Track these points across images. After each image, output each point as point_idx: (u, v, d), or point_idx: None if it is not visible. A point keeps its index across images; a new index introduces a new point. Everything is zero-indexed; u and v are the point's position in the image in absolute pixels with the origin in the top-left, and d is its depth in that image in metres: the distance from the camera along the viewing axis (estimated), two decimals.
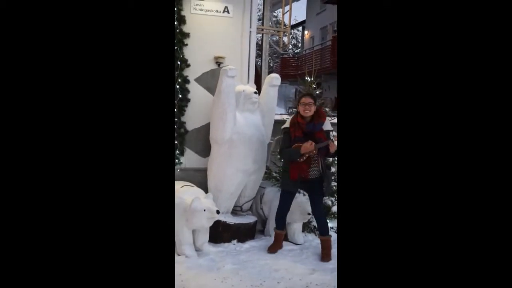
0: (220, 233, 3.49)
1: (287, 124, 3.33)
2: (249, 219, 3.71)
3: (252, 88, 3.73)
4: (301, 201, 3.48)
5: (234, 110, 3.51)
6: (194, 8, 3.97)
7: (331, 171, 3.40)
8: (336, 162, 3.94)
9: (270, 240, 3.54)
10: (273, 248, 3.39)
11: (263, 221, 3.90)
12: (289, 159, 3.27)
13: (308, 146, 3.10)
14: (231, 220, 3.57)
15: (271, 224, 3.71)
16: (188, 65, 3.95)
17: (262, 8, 8.64)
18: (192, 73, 3.98)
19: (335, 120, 3.75)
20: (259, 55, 8.70)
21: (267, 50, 7.85)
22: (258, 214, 3.90)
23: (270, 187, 3.91)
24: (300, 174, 3.19)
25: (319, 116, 3.25)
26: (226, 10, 4.09)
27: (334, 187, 3.82)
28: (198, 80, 4.03)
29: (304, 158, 3.16)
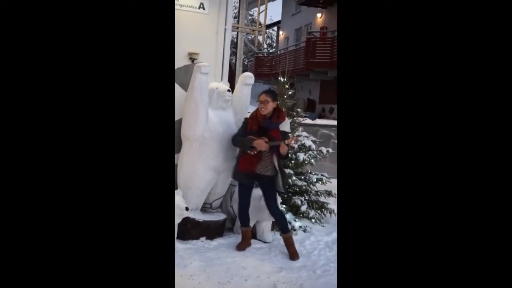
0: (188, 230, 3.47)
1: (248, 115, 3.43)
2: (219, 216, 3.71)
3: (225, 86, 3.72)
4: None
5: (206, 107, 3.50)
6: None
7: (287, 171, 3.41)
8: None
9: (239, 238, 3.55)
10: (242, 246, 3.40)
11: (233, 218, 3.91)
12: (238, 147, 3.39)
13: (261, 143, 3.15)
14: (200, 217, 3.55)
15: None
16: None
17: (238, 6, 8.63)
18: None
19: (307, 121, 3.81)
20: (233, 53, 8.68)
21: (242, 49, 7.85)
22: (228, 212, 3.91)
23: None
24: (248, 167, 3.25)
25: (277, 116, 3.27)
26: (201, 6, 4.06)
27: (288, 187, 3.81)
28: None
29: (255, 152, 3.20)
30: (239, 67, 8.37)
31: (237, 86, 3.92)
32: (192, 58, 4.01)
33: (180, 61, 3.99)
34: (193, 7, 4.01)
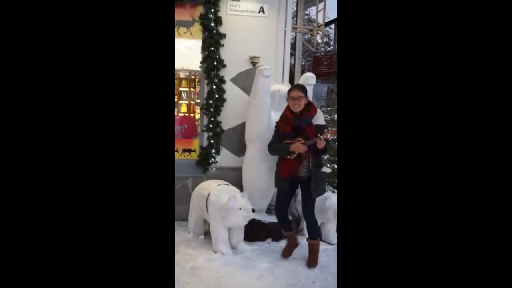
0: (255, 231, 3.53)
1: (278, 119, 3.21)
2: None
3: (287, 87, 3.73)
4: (334, 201, 3.45)
5: (269, 109, 3.54)
6: (230, 9, 4.03)
7: (323, 170, 3.11)
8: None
9: (304, 239, 3.53)
10: (287, 252, 3.28)
11: (297, 220, 3.91)
12: (277, 155, 3.19)
13: (298, 146, 2.96)
14: (266, 219, 3.59)
15: (305, 223, 3.71)
16: (224, 66, 4.01)
17: (295, 7, 8.60)
18: (228, 73, 4.04)
19: None
20: (292, 54, 8.67)
21: (300, 49, 7.81)
22: (292, 214, 3.91)
23: None
24: (290, 172, 3.05)
25: (308, 110, 3.03)
26: (261, 10, 4.12)
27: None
28: (233, 80, 4.09)
29: (294, 155, 3.01)
30: (297, 68, 8.35)
31: None
32: (254, 62, 4.07)
33: (242, 65, 4.08)
34: (253, 12, 4.08)
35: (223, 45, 3.99)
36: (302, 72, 5.75)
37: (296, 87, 3.09)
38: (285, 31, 4.21)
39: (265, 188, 3.60)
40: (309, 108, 3.04)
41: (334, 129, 2.99)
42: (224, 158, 4.12)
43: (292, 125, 3.03)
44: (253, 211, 3.10)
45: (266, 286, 2.73)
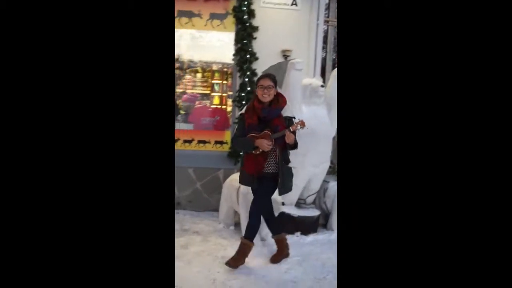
0: (285, 224, 3.54)
1: (243, 110, 2.94)
2: (313, 212, 3.72)
3: (318, 81, 3.71)
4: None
5: (300, 103, 3.53)
6: (263, 2, 4.03)
7: (290, 165, 2.87)
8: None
9: (334, 234, 3.52)
10: (277, 257, 3.05)
11: (326, 215, 3.90)
12: (240, 149, 2.98)
13: (262, 143, 2.69)
14: (295, 212, 3.60)
15: (334, 218, 3.70)
16: (256, 58, 4.02)
17: (328, 0, 8.47)
18: (260, 66, 4.04)
19: None
20: (323, 48, 8.56)
21: (332, 43, 7.70)
22: (321, 208, 3.91)
23: (333, 181, 3.89)
24: (256, 167, 2.79)
25: (278, 101, 2.80)
26: (294, 2, 4.10)
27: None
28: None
29: (260, 150, 2.76)
30: (329, 61, 8.23)
31: (330, 81, 3.88)
32: (286, 55, 4.07)
33: (274, 58, 4.07)
34: (286, 4, 4.07)
35: (255, 38, 4.00)
36: (333, 66, 5.68)
37: (266, 76, 2.85)
38: (317, 24, 4.18)
39: (295, 182, 3.59)
40: (278, 99, 2.82)
41: (302, 119, 2.78)
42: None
43: (259, 116, 2.79)
44: (283, 204, 3.12)
45: (294, 279, 2.74)
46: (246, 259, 2.93)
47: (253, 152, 2.78)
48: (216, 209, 3.94)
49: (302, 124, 2.73)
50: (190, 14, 4.25)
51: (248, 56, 3.97)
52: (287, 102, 2.86)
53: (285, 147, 2.78)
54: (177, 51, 4.79)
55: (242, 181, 2.95)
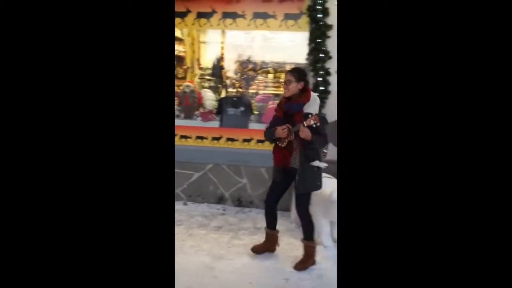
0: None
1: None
2: None
3: None
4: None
5: None
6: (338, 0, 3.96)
7: (314, 164, 2.79)
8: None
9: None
10: (261, 247, 3.09)
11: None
12: (267, 139, 3.01)
13: (279, 131, 2.78)
14: None
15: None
16: (330, 57, 3.96)
17: None
18: (334, 65, 3.97)
19: None
20: None
21: None
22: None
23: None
24: (281, 160, 2.88)
25: (300, 96, 2.82)
26: None
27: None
28: None
29: (285, 143, 2.82)
30: None
31: None
32: None
33: None
34: None
35: (329, 37, 3.94)
36: None
37: (289, 71, 2.91)
38: None
39: None
40: (301, 95, 2.82)
41: (316, 115, 2.72)
42: (328, 151, 4.07)
43: (284, 111, 2.87)
44: None
45: None
46: (321, 261, 2.92)
47: (278, 144, 2.86)
48: (288, 209, 3.95)
49: (316, 119, 2.68)
50: (265, 16, 4.31)
51: (322, 55, 3.92)
52: (311, 98, 2.83)
53: (308, 143, 2.74)
54: (250, 52, 4.92)
55: (273, 174, 3.03)
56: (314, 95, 2.89)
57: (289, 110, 2.84)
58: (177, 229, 3.49)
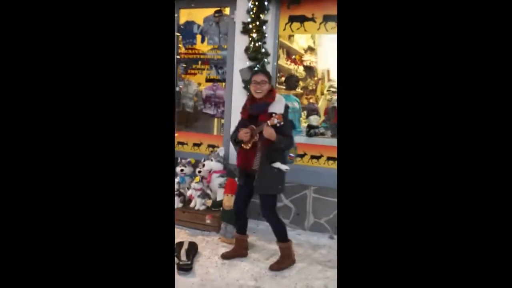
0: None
1: None
2: None
3: None
4: None
5: None
6: None
7: (275, 166, 2.78)
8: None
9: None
10: (231, 253, 3.12)
11: None
12: (232, 143, 3.00)
13: (241, 134, 2.79)
14: None
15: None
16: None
17: None
18: None
19: None
20: None
21: None
22: None
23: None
24: (243, 163, 2.88)
25: (266, 96, 2.80)
26: None
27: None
28: None
29: (249, 145, 2.81)
30: None
31: None
32: None
33: None
34: None
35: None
36: None
37: (261, 71, 2.94)
38: None
39: None
40: (267, 94, 2.82)
41: (280, 114, 2.70)
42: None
43: (248, 112, 2.87)
44: None
45: None
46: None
47: (244, 146, 2.85)
48: None
49: (280, 118, 2.66)
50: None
51: None
52: (276, 98, 2.83)
53: (271, 144, 2.73)
54: None
55: (238, 177, 3.09)
56: (278, 95, 2.88)
57: (254, 111, 2.83)
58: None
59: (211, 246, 3.35)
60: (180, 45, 4.49)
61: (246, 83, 3.87)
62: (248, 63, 3.91)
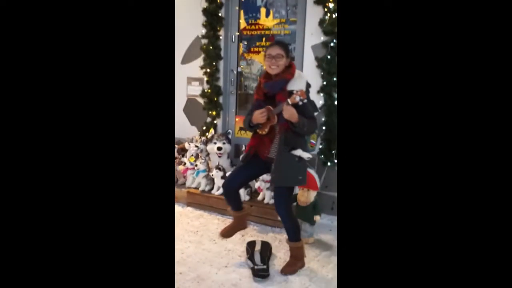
0: None
1: None
2: None
3: None
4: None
5: None
6: None
7: (295, 153, 2.36)
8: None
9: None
10: (227, 231, 2.79)
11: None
12: (246, 128, 2.56)
13: (256, 115, 2.38)
14: None
15: None
16: None
17: None
18: None
19: None
20: None
21: None
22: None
23: None
24: (258, 150, 2.51)
25: (283, 73, 2.38)
26: None
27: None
28: None
29: (266, 130, 2.44)
30: None
31: None
32: None
33: None
34: None
35: None
36: None
37: (276, 43, 2.44)
38: None
39: None
40: (285, 70, 2.40)
41: (303, 90, 2.30)
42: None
43: (264, 92, 2.46)
44: None
45: None
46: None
47: (259, 132, 2.51)
48: None
49: (302, 94, 2.27)
50: None
51: None
52: (295, 74, 2.43)
53: (291, 127, 2.34)
54: None
55: (243, 160, 2.65)
56: (298, 71, 2.47)
57: (270, 89, 2.43)
58: None
59: (285, 246, 2.96)
60: (241, 21, 4.08)
61: (320, 62, 3.40)
62: (322, 38, 3.44)
